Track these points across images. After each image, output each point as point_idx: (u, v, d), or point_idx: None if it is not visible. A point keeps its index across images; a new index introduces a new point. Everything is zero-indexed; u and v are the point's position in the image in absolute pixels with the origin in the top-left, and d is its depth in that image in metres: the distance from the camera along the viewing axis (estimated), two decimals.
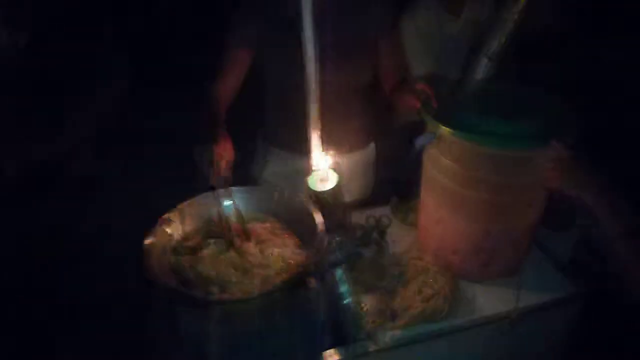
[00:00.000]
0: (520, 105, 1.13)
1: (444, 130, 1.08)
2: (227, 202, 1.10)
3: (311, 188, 1.13)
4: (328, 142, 1.42)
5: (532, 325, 1.15)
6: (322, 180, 1.14)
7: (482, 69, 1.27)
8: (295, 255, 1.05)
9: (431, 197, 1.20)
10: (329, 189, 1.14)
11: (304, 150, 1.16)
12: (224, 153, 1.14)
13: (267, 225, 1.13)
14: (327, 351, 1.06)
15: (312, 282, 0.95)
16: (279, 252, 1.05)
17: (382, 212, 1.41)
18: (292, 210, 1.11)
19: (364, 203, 1.56)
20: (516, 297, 1.13)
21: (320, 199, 1.13)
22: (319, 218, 1.04)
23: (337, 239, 1.11)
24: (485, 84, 1.28)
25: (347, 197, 1.55)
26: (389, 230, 1.35)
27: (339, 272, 1.07)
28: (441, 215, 1.19)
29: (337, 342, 1.07)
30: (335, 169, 1.15)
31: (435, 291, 1.13)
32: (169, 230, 1.06)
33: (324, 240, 1.01)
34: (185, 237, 1.09)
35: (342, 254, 1.14)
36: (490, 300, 1.16)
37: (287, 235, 1.10)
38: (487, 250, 1.16)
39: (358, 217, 1.39)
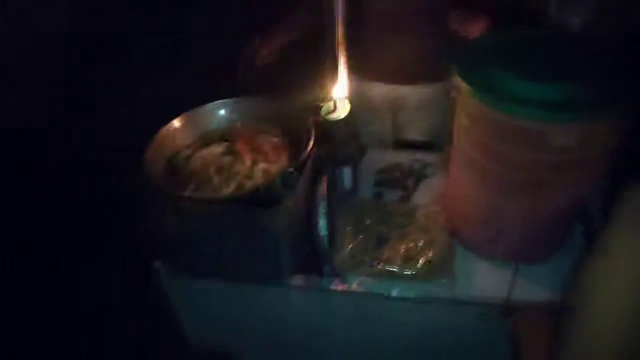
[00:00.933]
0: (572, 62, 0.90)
1: (465, 89, 0.90)
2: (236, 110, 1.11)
3: (323, 114, 1.08)
4: (385, 67, 1.32)
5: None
6: (333, 108, 1.07)
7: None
8: (280, 170, 1.02)
9: (455, 153, 1.06)
10: (339, 119, 1.07)
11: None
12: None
13: (274, 140, 1.12)
14: (293, 275, 1.06)
15: (284, 202, 0.94)
16: (266, 168, 1.05)
17: (434, 159, 1.30)
18: (297, 129, 1.08)
19: (428, 145, 1.44)
20: (510, 285, 1.00)
21: (328, 128, 1.07)
22: (310, 141, 1.01)
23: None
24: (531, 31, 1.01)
25: (408, 135, 1.49)
26: (428, 181, 1.25)
27: (323, 203, 1.03)
28: (459, 175, 1.05)
29: (305, 270, 1.06)
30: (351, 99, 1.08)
31: (423, 252, 1.05)
32: (173, 134, 1.10)
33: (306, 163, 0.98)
34: (190, 143, 1.13)
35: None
36: (486, 283, 1.04)
37: (285, 154, 1.08)
38: (496, 226, 1.02)
39: (405, 158, 1.30)
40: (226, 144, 1.11)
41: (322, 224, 1.02)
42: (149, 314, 1.30)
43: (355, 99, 1.09)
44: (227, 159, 1.08)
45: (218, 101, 1.17)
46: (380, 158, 1.30)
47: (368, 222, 1.13)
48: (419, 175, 1.26)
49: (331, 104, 1.08)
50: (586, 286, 0.68)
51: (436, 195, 1.21)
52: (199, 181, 1.03)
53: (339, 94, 1.07)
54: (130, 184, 1.07)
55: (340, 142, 1.09)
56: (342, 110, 1.07)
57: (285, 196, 0.94)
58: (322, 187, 1.04)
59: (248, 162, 1.07)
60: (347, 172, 1.16)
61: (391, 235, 1.10)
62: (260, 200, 0.94)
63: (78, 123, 1.88)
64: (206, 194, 0.99)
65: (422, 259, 1.05)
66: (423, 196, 1.22)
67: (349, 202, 1.17)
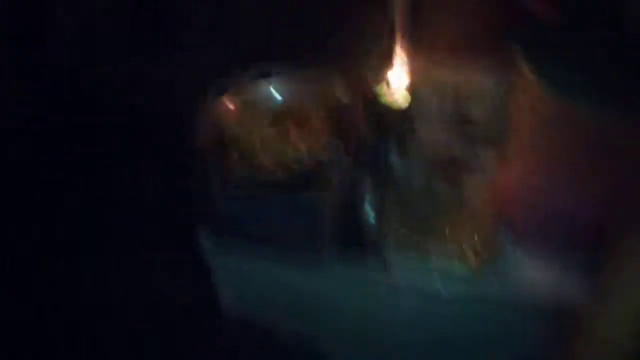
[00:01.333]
0: None
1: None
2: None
3: (376, 95, 1.01)
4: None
5: None
6: (389, 94, 1.01)
7: None
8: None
9: (515, 133, 0.99)
10: (394, 100, 1.00)
11: None
12: None
13: (323, 116, 1.06)
14: (335, 262, 1.01)
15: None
16: (313, 145, 1.00)
17: (488, 144, 1.15)
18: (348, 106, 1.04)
19: (482, 130, 1.31)
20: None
21: (381, 109, 1.01)
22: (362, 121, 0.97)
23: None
24: None
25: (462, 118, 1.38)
26: (482, 167, 1.11)
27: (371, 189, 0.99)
28: (519, 163, 0.99)
29: (348, 259, 1.01)
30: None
31: (475, 246, 0.98)
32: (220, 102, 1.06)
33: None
34: (235, 112, 1.08)
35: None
36: (542, 281, 0.96)
37: (335, 133, 1.02)
38: (556, 218, 0.94)
39: (457, 142, 1.16)
40: (272, 115, 1.07)
41: (369, 211, 0.98)
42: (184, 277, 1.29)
43: (411, 79, 1.02)
44: (272, 132, 1.04)
45: (264, 69, 1.11)
46: (431, 142, 1.19)
47: (417, 211, 1.07)
48: (472, 162, 1.14)
49: (387, 82, 1.01)
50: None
51: (491, 184, 1.11)
52: (243, 152, 1.00)
53: (397, 73, 1.00)
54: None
55: (392, 124, 1.03)
56: (398, 90, 1.01)
57: (333, 178, 0.89)
58: (371, 172, 0.98)
59: (294, 137, 1.02)
60: (396, 157, 1.09)
61: (442, 227, 1.03)
62: (305, 181, 0.91)
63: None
64: (252, 172, 0.96)
65: (474, 253, 0.99)
66: (476, 185, 1.12)
67: (397, 188, 1.09)
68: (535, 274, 0.97)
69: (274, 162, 0.98)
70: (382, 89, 1.01)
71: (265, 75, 1.11)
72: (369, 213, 0.97)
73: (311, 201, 0.91)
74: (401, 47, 0.99)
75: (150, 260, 1.33)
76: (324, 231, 0.97)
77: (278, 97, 1.10)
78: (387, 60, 1.00)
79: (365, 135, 0.98)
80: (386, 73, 1.01)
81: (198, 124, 0.99)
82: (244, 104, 1.09)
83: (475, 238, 1.00)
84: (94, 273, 1.36)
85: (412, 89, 1.02)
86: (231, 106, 1.08)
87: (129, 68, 1.57)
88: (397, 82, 1.01)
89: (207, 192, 0.97)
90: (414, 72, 1.05)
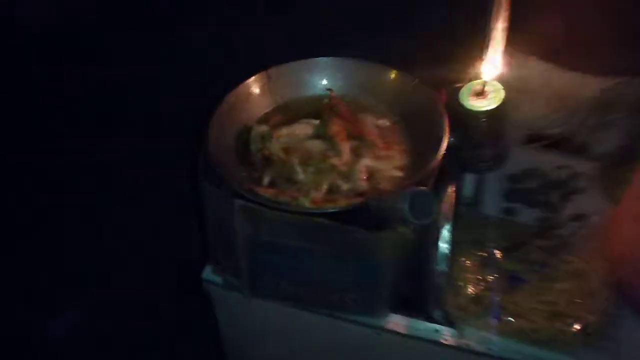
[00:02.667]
0: None
1: None
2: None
3: (462, 102, 0.80)
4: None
5: None
6: (479, 94, 0.78)
7: None
8: (390, 177, 0.78)
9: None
10: (488, 109, 0.77)
11: None
12: None
13: (386, 125, 0.85)
14: (390, 315, 0.81)
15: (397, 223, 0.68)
16: (372, 166, 0.78)
17: (588, 167, 0.95)
18: (420, 115, 0.81)
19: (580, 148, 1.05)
20: None
21: (467, 120, 0.80)
22: (444, 137, 0.75)
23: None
24: None
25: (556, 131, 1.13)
26: (578, 197, 0.92)
27: (446, 226, 0.76)
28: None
29: (407, 311, 0.81)
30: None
31: (575, 309, 0.75)
32: (246, 100, 0.86)
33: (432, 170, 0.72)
34: (268, 115, 0.89)
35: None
36: None
37: (399, 148, 0.82)
38: None
39: (547, 161, 0.97)
40: (316, 122, 0.85)
41: (441, 254, 0.76)
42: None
43: (511, 82, 0.80)
44: (317, 145, 0.81)
45: (309, 59, 0.91)
46: (513, 159, 0.98)
47: (495, 252, 0.85)
48: (566, 189, 0.93)
49: (476, 85, 0.79)
50: None
51: (594, 223, 0.88)
52: (278, 172, 0.78)
53: (491, 74, 0.76)
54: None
55: (481, 140, 0.82)
56: (493, 97, 0.78)
57: (399, 213, 0.67)
58: (446, 204, 0.76)
59: (346, 153, 0.80)
60: (469, 179, 0.90)
61: (528, 277, 0.81)
62: (363, 216, 0.69)
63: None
64: (289, 202, 0.74)
65: (572, 319, 0.76)
66: (573, 222, 0.90)
67: (468, 220, 0.88)
68: None
69: (317, 182, 0.77)
70: (470, 90, 0.78)
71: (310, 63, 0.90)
72: (441, 259, 0.75)
73: (369, 243, 0.70)
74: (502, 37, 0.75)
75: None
76: (381, 277, 0.75)
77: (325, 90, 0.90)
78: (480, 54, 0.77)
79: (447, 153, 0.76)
80: (479, 70, 0.78)
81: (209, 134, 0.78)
82: (278, 97, 0.89)
83: (578, 299, 0.77)
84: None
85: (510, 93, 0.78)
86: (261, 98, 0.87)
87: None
88: (494, 85, 0.77)
89: (222, 217, 0.76)
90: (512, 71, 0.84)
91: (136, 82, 1.46)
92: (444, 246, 0.75)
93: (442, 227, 0.75)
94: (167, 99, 1.41)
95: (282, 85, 0.90)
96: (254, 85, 0.87)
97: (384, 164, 0.79)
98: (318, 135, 0.82)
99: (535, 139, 1.07)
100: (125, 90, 1.47)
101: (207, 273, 0.87)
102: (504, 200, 0.93)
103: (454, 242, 0.80)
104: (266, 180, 0.77)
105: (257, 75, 0.88)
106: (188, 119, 0.91)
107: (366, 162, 0.78)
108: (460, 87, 0.82)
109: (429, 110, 0.80)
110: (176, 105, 1.36)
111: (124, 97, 1.49)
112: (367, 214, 0.69)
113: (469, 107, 0.80)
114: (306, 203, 0.73)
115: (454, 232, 0.80)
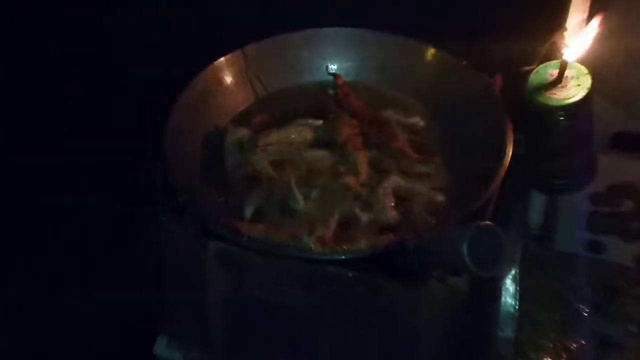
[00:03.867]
0: None
1: None
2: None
3: (530, 93, 0.83)
4: None
5: None
6: (555, 81, 0.82)
7: None
8: (429, 203, 0.80)
9: None
10: (569, 103, 0.81)
11: None
12: None
13: (415, 122, 0.90)
14: None
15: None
16: (403, 186, 0.81)
17: None
18: (469, 112, 0.86)
19: None
20: None
21: (539, 118, 0.83)
22: (507, 147, 0.80)
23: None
24: None
25: None
26: None
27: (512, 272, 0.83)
28: None
29: None
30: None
31: None
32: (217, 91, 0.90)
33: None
34: (250, 109, 0.93)
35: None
36: None
37: (439, 159, 0.86)
38: None
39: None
40: (319, 122, 0.88)
41: (505, 313, 0.81)
42: None
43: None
44: (321, 157, 0.85)
45: (303, 31, 0.95)
46: (599, 172, 0.99)
47: (580, 307, 0.89)
48: None
49: (551, 69, 0.83)
50: None
51: None
52: (267, 199, 0.81)
53: (574, 52, 0.82)
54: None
55: (557, 147, 0.85)
56: (576, 85, 0.82)
57: (443, 257, 0.69)
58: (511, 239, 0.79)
59: (364, 168, 0.82)
60: (539, 202, 0.93)
61: (626, 341, 0.85)
62: (394, 263, 0.71)
63: None
64: (285, 242, 0.75)
65: None
66: None
67: (540, 262, 0.93)
68: None
69: (325, 211, 0.78)
70: (544, 77, 0.82)
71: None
72: (505, 320, 0.80)
73: (402, 304, 0.72)
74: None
75: None
76: (424, 355, 0.78)
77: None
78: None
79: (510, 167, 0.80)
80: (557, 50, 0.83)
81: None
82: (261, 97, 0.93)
83: None
84: None
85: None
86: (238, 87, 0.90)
87: None
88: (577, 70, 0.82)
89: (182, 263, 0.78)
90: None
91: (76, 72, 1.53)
92: (508, 302, 0.80)
93: (505, 275, 0.79)
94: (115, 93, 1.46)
95: (266, 68, 0.92)
96: (225, 69, 0.90)
97: (419, 184, 0.81)
98: (322, 142, 0.85)
99: (628, 143, 1.13)
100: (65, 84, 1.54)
101: (160, 347, 0.88)
102: (588, 231, 0.97)
103: (522, 296, 0.85)
104: (249, 210, 0.78)
105: (229, 55, 0.91)
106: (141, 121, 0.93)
107: (394, 181, 0.80)
108: (528, 72, 0.84)
109: (483, 105, 0.83)
110: (127, 103, 1.40)
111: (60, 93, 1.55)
112: (400, 259, 0.70)
113: (540, 100, 0.82)
114: (311, 244, 0.73)
115: (521, 280, 0.85)
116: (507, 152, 0.78)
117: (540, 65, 0.85)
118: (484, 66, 0.88)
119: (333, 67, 0.93)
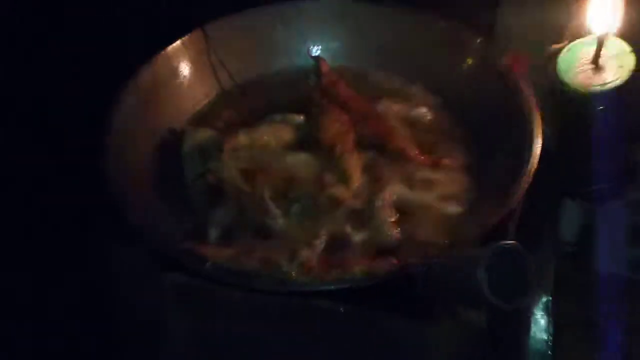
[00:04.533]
0: None
1: None
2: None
3: (562, 77, 0.84)
4: None
5: None
6: (592, 62, 0.84)
7: None
8: (440, 217, 0.82)
9: None
10: (608, 88, 0.83)
11: None
12: None
13: (421, 114, 0.92)
14: None
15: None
16: (403, 197, 0.82)
17: None
18: (487, 101, 0.89)
19: None
20: None
21: (576, 109, 0.84)
22: (535, 145, 0.80)
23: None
24: None
25: None
26: None
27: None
28: None
29: None
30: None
31: None
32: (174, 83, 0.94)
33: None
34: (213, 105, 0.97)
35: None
36: None
37: (451, 162, 0.88)
38: None
39: None
40: (300, 118, 0.91)
41: (534, 352, 0.83)
42: None
43: None
44: (303, 163, 0.87)
45: (276, 5, 1.01)
46: None
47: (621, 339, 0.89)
48: None
49: (586, 47, 0.85)
50: None
51: None
52: (237, 217, 0.82)
53: (610, 27, 0.83)
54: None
55: (595, 144, 0.85)
56: (617, 66, 0.84)
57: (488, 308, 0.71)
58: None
59: (357, 175, 0.84)
60: (574, 212, 0.94)
61: None
62: (398, 295, 0.71)
63: None
64: (260, 271, 0.77)
65: None
66: None
67: (575, 286, 0.92)
68: None
69: (312, 245, 0.79)
70: (567, 61, 0.84)
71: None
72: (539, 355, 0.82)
73: (410, 343, 0.72)
74: None
75: None
76: None
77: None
78: None
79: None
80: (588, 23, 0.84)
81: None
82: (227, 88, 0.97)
83: None
84: None
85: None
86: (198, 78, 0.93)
87: None
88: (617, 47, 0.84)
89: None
90: None
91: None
92: (539, 337, 0.81)
93: (533, 305, 0.81)
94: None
95: (233, 53, 0.94)
96: (180, 56, 0.91)
97: (425, 194, 0.82)
98: (304, 143, 0.86)
99: None
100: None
101: None
102: (633, 247, 0.98)
103: (556, 328, 0.86)
104: (215, 231, 0.79)
105: (185, 37, 0.92)
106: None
107: (394, 190, 0.81)
108: (558, 51, 0.85)
109: (504, 92, 0.84)
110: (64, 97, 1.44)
111: None
112: (403, 289, 0.70)
113: (574, 85, 0.83)
114: (292, 271, 0.75)
115: (554, 309, 0.86)
116: (534, 150, 0.78)
117: (572, 43, 0.87)
118: (503, 44, 0.90)
119: (316, 49, 0.94)
